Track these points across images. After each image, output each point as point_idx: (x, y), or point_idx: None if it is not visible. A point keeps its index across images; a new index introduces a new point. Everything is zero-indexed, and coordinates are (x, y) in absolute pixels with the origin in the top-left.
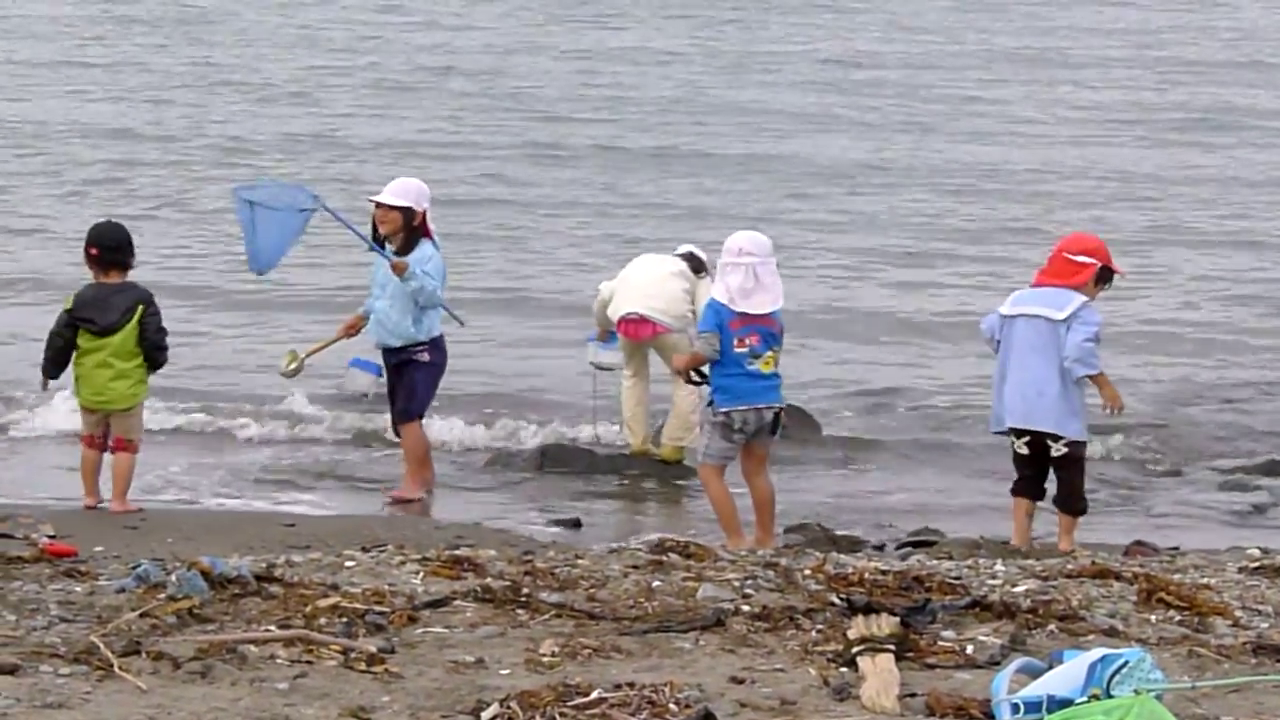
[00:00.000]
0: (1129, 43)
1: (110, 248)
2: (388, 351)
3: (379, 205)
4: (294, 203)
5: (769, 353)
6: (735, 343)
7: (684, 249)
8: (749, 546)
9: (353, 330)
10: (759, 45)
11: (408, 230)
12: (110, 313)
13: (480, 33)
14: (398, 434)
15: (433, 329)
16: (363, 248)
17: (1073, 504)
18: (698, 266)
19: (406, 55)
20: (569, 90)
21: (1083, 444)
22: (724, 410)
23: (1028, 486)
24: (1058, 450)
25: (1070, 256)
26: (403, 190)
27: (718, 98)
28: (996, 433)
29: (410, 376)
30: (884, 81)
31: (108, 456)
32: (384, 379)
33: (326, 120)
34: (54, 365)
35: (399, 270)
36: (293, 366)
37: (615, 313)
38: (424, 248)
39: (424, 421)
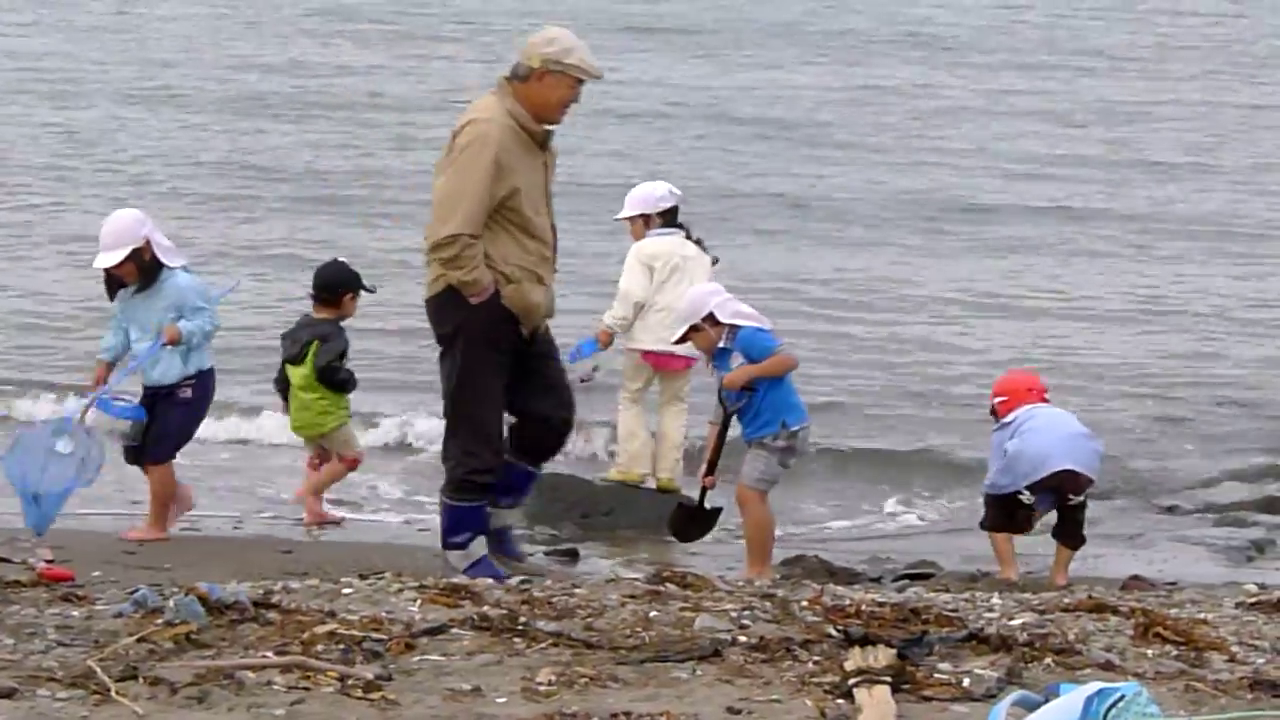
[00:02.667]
0: None
1: (318, 285)
2: (151, 389)
3: (110, 270)
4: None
5: None
6: None
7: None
8: (745, 577)
9: (102, 382)
10: None
11: (143, 269)
12: (295, 345)
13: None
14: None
15: (202, 363)
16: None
17: (1079, 540)
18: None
19: None
20: None
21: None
22: (796, 428)
23: (1009, 523)
24: (1076, 501)
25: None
26: (117, 238)
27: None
28: (1001, 495)
29: (169, 415)
30: None
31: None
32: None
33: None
34: (280, 390)
35: (174, 341)
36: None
37: (645, 338)
38: (173, 281)
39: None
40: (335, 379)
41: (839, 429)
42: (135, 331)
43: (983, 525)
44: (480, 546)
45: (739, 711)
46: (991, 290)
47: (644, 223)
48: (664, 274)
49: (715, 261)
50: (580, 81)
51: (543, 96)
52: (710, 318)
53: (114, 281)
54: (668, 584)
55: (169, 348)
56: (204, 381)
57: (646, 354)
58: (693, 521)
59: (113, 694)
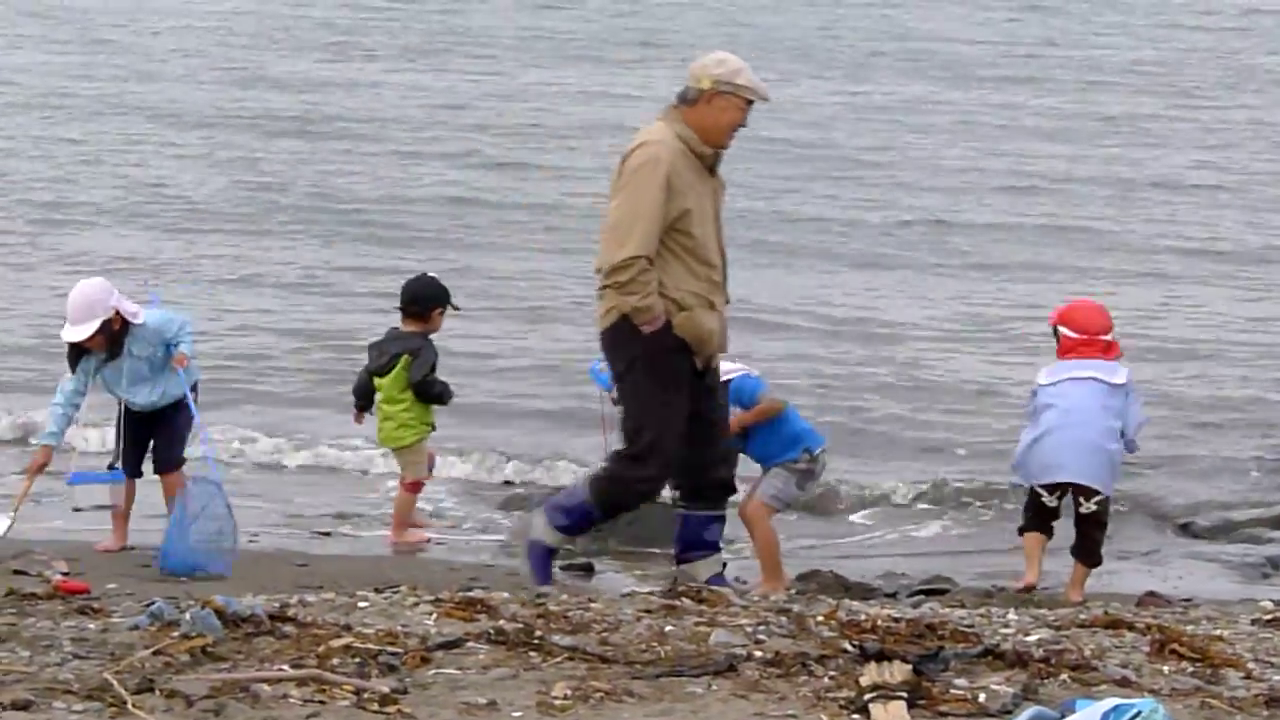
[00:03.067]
0: None
1: (407, 298)
2: (147, 413)
3: (79, 345)
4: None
5: None
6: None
7: None
8: (760, 593)
9: (43, 468)
10: None
11: (112, 339)
12: (382, 357)
13: None
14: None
15: (195, 374)
16: None
17: (1095, 558)
18: None
19: None
20: None
21: (1109, 501)
22: (817, 451)
23: (1041, 525)
24: (1087, 508)
25: (1096, 337)
26: (87, 311)
27: None
28: (1018, 485)
29: (176, 421)
30: None
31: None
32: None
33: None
34: (357, 398)
35: (183, 364)
36: (6, 529)
37: None
38: (142, 330)
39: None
40: (432, 392)
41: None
42: (125, 383)
43: (1020, 530)
44: (552, 538)
45: None
46: (999, 313)
47: None
48: None
49: None
50: (749, 104)
51: (713, 119)
52: None
53: (76, 350)
54: (683, 598)
55: (166, 379)
56: (196, 389)
57: None
58: None
59: (129, 707)
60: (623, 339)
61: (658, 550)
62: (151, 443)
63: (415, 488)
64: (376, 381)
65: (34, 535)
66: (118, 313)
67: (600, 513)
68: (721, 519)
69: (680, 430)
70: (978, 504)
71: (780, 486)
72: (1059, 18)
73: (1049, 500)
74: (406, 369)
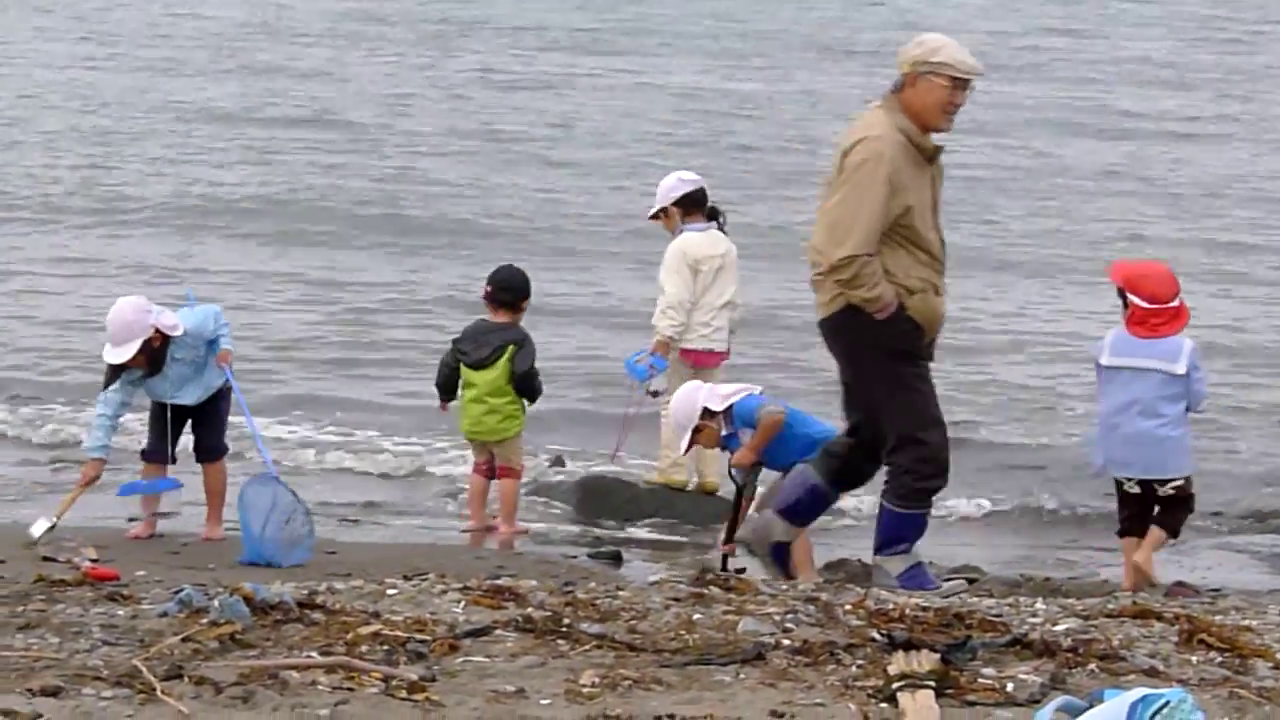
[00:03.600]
0: None
1: (501, 289)
2: (190, 406)
3: (122, 366)
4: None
5: None
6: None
7: (707, 203)
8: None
9: (94, 481)
10: None
11: (152, 358)
12: (483, 349)
13: None
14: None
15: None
16: None
17: (1175, 530)
18: (716, 214)
19: None
20: None
21: (1189, 480)
22: None
23: (1135, 525)
24: (1166, 491)
25: (1166, 305)
26: (127, 332)
27: None
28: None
29: (218, 409)
30: None
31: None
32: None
33: None
34: (441, 390)
35: (227, 360)
36: (45, 531)
37: (685, 339)
38: (190, 325)
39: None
40: (534, 384)
41: None
42: (171, 389)
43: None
44: (917, 553)
45: (782, 715)
46: (1003, 309)
47: (667, 215)
48: (709, 278)
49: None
50: (957, 80)
51: (920, 102)
52: (705, 412)
53: (116, 374)
54: (711, 587)
55: (208, 372)
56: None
57: (685, 352)
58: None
59: (158, 693)
60: (850, 325)
61: (686, 539)
62: (192, 434)
63: (518, 476)
64: (475, 375)
65: (63, 522)
66: (157, 330)
67: (918, 510)
68: (831, 499)
69: (936, 410)
70: (1006, 493)
71: None
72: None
73: (1130, 486)
74: (511, 360)
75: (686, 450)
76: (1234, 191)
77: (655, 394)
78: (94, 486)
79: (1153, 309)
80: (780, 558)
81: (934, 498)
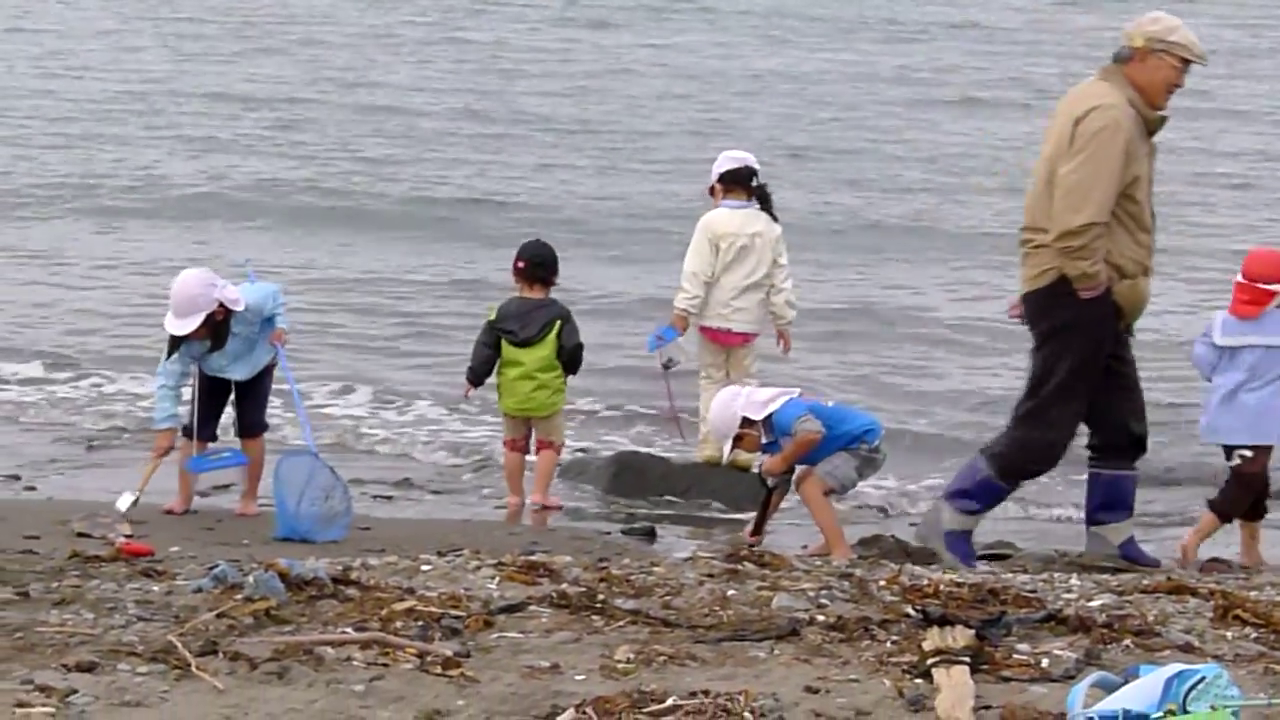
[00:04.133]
0: None
1: (536, 264)
2: (240, 381)
3: (183, 338)
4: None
5: None
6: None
7: (753, 181)
8: (820, 556)
9: (168, 452)
10: None
11: (216, 331)
12: (530, 326)
13: None
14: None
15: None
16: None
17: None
18: (764, 197)
19: None
20: None
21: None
22: (876, 443)
23: (1250, 508)
24: (1231, 461)
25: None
26: (191, 304)
27: None
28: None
29: (261, 385)
30: None
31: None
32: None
33: None
34: (478, 373)
35: (281, 339)
36: (131, 505)
37: (705, 314)
38: (251, 300)
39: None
40: (579, 357)
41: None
42: (228, 363)
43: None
44: (965, 523)
45: (817, 691)
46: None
47: (713, 192)
48: (729, 254)
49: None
50: (1185, 63)
51: (1146, 77)
52: (745, 420)
53: (177, 345)
54: (745, 563)
55: (259, 348)
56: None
57: (703, 329)
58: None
59: (193, 669)
60: (1056, 301)
61: (720, 515)
62: (235, 409)
63: (559, 451)
64: (522, 352)
65: (99, 497)
66: (220, 304)
67: (1006, 483)
68: (1134, 478)
69: (1084, 409)
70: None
71: (839, 464)
72: None
73: (1240, 457)
74: (559, 335)
75: (728, 459)
76: None
77: (667, 365)
78: (166, 458)
79: (1258, 289)
80: (960, 547)
81: (1022, 481)
